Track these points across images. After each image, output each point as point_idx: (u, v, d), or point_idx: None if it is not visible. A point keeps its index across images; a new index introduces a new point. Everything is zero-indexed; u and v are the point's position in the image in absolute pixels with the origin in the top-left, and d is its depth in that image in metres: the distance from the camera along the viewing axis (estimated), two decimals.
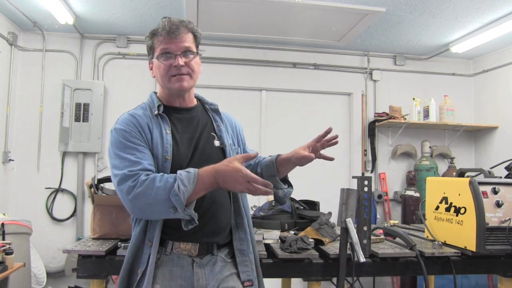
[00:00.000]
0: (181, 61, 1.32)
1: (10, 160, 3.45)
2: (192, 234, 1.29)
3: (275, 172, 1.46)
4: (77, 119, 3.53)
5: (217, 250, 1.37)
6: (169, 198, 1.16)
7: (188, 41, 1.35)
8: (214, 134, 1.43)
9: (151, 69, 1.41)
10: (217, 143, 1.41)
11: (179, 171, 1.21)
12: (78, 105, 3.54)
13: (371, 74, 4.08)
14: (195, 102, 1.48)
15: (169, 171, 1.28)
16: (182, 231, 1.27)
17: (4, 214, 3.00)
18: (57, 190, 3.58)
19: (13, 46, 3.45)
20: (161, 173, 1.24)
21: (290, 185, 1.55)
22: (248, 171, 1.17)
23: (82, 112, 3.54)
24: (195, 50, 1.38)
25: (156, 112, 1.36)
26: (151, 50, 1.39)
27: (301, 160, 1.40)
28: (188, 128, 1.40)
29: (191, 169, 1.21)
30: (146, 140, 1.32)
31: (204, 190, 1.21)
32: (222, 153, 1.40)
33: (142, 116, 1.36)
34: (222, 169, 1.19)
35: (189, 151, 1.35)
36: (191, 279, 1.30)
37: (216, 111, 1.50)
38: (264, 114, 3.99)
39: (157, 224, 1.28)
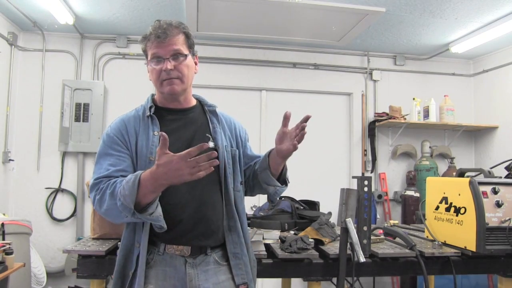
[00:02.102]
0: (170, 65, 1.32)
1: (10, 160, 3.45)
2: (182, 237, 1.30)
3: (267, 165, 1.44)
4: (77, 119, 3.53)
5: (210, 251, 1.36)
6: (117, 203, 1.17)
7: (177, 43, 1.34)
8: (209, 136, 1.42)
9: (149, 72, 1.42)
10: (211, 144, 1.39)
11: (128, 176, 1.20)
12: (78, 105, 3.54)
13: (371, 74, 4.08)
14: (193, 103, 1.48)
15: None
16: (171, 233, 1.28)
17: (4, 214, 3.00)
18: (57, 190, 3.58)
19: (13, 46, 3.45)
20: (117, 178, 1.24)
21: (286, 184, 1.52)
22: (179, 153, 1.09)
23: (82, 112, 3.54)
24: (185, 52, 1.36)
25: (147, 113, 1.38)
26: (144, 53, 1.41)
27: (280, 140, 1.38)
28: (181, 129, 1.40)
29: (136, 173, 1.17)
30: (129, 144, 1.33)
31: (151, 192, 1.16)
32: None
33: (132, 120, 1.39)
34: (156, 171, 1.12)
35: (179, 152, 1.33)
36: (184, 279, 1.30)
37: (214, 112, 1.49)
38: (264, 114, 3.99)
39: (144, 225, 1.29)
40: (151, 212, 1.17)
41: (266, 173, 1.45)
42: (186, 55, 1.36)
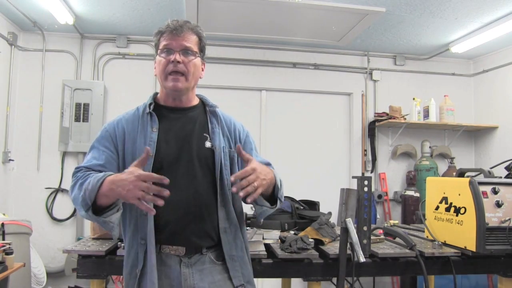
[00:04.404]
0: (178, 57, 1.34)
1: (10, 160, 3.45)
2: (173, 237, 1.30)
3: None
4: (77, 119, 3.53)
5: (206, 250, 1.36)
6: (81, 194, 1.19)
7: (190, 41, 1.37)
8: (207, 135, 1.42)
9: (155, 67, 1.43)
10: (208, 144, 1.40)
11: (101, 173, 1.21)
12: (78, 105, 3.54)
13: (371, 74, 4.08)
14: (194, 102, 1.48)
15: (151, 169, 1.29)
16: (164, 232, 1.29)
17: (4, 214, 3.00)
18: (57, 190, 3.58)
19: (13, 46, 3.45)
20: (93, 172, 1.26)
21: (279, 201, 1.41)
22: (142, 172, 1.10)
23: (82, 112, 3.54)
24: (195, 50, 1.39)
25: (147, 110, 1.39)
26: (155, 47, 1.42)
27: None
28: (179, 127, 1.40)
29: (106, 172, 1.21)
30: (124, 144, 1.36)
31: (105, 196, 1.16)
32: (212, 154, 1.39)
33: (130, 118, 1.41)
34: (120, 175, 1.14)
35: (176, 150, 1.36)
36: (179, 278, 1.31)
37: (214, 112, 1.48)
38: (264, 114, 3.99)
39: (146, 222, 1.29)
40: (105, 217, 1.20)
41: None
42: (196, 54, 1.39)
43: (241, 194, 1.16)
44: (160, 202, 1.09)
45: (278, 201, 1.39)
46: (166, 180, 1.10)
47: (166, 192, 1.09)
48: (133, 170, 1.12)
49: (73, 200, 1.25)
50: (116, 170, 1.33)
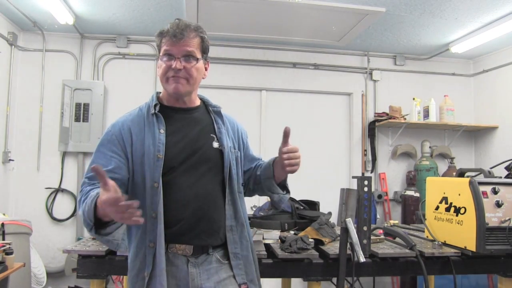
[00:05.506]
0: (179, 64, 1.32)
1: (10, 160, 3.45)
2: (184, 235, 1.31)
3: (271, 174, 1.45)
4: (77, 119, 3.53)
5: (212, 250, 1.37)
6: (82, 212, 1.19)
7: (191, 45, 1.34)
8: (214, 136, 1.42)
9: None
10: (216, 144, 1.41)
11: (95, 191, 1.18)
12: (78, 105, 3.54)
13: (371, 74, 4.08)
14: (197, 103, 1.48)
15: (162, 170, 1.30)
16: (174, 231, 1.30)
17: (4, 214, 3.00)
18: (57, 190, 3.58)
19: (13, 46, 3.45)
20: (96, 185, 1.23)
21: (288, 191, 1.54)
22: (106, 197, 1.02)
23: (82, 112, 3.54)
24: (197, 56, 1.36)
25: (152, 111, 1.37)
26: (157, 48, 1.41)
27: (281, 156, 1.37)
28: (185, 128, 1.40)
29: (97, 193, 1.14)
30: (131, 146, 1.33)
31: (104, 217, 1.13)
32: (220, 154, 1.40)
33: (135, 119, 1.39)
34: (100, 197, 1.08)
35: (184, 151, 1.35)
36: (186, 278, 1.31)
37: (218, 113, 1.49)
38: (264, 114, 3.99)
39: (156, 225, 1.28)
40: (108, 232, 1.19)
41: (271, 182, 1.46)
42: (198, 59, 1.36)
43: (287, 163, 1.33)
44: (141, 220, 1.04)
45: (287, 190, 1.53)
46: (136, 203, 1.02)
47: (140, 220, 1.04)
48: (100, 195, 1.06)
49: (81, 216, 1.23)
50: (127, 174, 1.32)
